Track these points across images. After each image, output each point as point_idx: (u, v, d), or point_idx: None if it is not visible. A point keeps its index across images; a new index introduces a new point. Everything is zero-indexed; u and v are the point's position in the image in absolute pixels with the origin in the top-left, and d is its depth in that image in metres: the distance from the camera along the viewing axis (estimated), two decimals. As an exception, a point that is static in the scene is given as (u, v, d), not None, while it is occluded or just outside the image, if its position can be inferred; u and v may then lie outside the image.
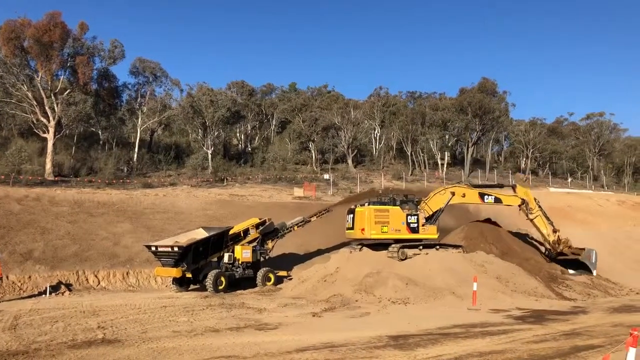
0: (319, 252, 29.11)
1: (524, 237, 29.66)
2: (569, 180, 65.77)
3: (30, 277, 21.95)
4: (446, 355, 11.22)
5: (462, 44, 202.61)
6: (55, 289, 21.46)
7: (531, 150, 69.27)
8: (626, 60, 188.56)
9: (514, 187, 29.26)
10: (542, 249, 28.84)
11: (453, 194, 26.18)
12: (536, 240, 29.53)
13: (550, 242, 27.88)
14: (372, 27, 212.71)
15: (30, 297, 20.52)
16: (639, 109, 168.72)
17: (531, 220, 28.09)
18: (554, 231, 27.91)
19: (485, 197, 27.38)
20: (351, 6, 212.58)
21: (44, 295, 20.64)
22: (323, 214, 28.13)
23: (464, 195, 26.76)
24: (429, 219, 24.87)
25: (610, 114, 76.91)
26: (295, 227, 27.00)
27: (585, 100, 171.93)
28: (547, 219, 28.16)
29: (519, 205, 28.14)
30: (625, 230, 37.60)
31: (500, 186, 30.13)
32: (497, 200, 27.73)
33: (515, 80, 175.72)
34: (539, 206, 28.19)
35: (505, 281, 22.13)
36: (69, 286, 22.18)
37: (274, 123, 72.71)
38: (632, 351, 8.46)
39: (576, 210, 45.14)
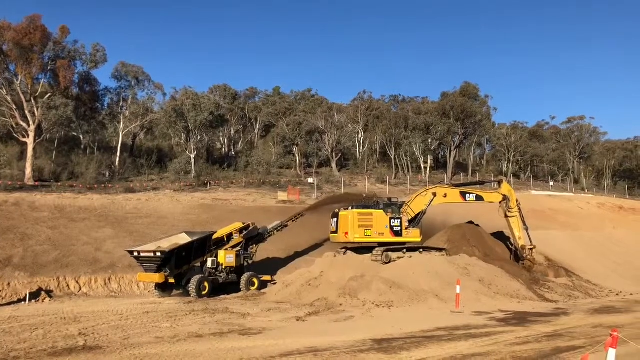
0: (303, 256, 29.08)
1: (505, 240, 29.89)
2: (551, 183, 66.52)
3: (9, 283, 21.57)
4: (430, 358, 11.26)
5: (445, 48, 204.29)
6: (35, 295, 21.11)
7: (513, 154, 70.03)
8: (606, 65, 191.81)
9: (499, 182, 29.47)
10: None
11: (435, 194, 26.26)
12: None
13: (519, 246, 27.96)
14: (355, 32, 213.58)
15: (9, 304, 20.15)
16: (618, 112, 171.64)
17: (507, 218, 28.17)
18: (530, 247, 27.84)
19: (467, 195, 27.51)
20: (334, 11, 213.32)
21: (23, 302, 20.29)
22: (298, 217, 28.30)
23: (445, 196, 26.84)
24: (412, 222, 24.97)
25: (591, 118, 78.56)
26: (275, 232, 27.01)
27: (565, 104, 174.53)
28: (524, 224, 28.20)
29: (500, 202, 28.28)
30: (606, 233, 38.16)
31: (482, 183, 30.26)
32: (479, 198, 27.87)
33: (497, 84, 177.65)
34: (519, 209, 28.33)
35: (488, 284, 22.29)
36: (49, 293, 21.84)
37: (257, 127, 72.63)
38: (611, 352, 8.59)
39: (557, 213, 45.70)
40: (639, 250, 34.67)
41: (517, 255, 28.01)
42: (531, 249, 27.67)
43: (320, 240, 30.16)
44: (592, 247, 33.48)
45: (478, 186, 30.18)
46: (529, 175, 71.88)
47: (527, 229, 28.13)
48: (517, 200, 28.52)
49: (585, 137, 76.10)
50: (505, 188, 28.71)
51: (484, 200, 28.10)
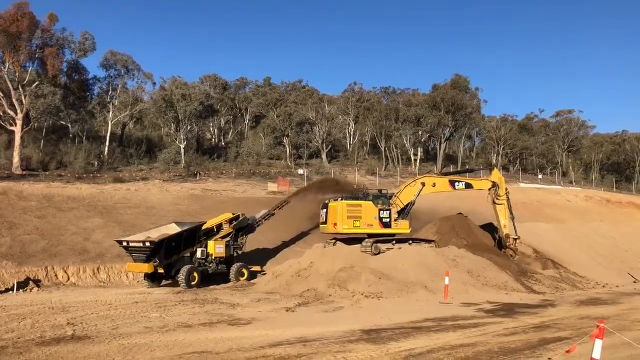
0: (293, 247, 29.11)
1: (494, 232, 30.05)
2: (539, 176, 66.94)
3: (-4, 273, 21.41)
4: (418, 348, 11.33)
5: (436, 41, 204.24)
6: (23, 285, 20.97)
7: (502, 146, 70.33)
8: (595, 59, 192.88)
9: (491, 169, 29.61)
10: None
11: (423, 184, 26.24)
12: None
13: (504, 234, 28.17)
14: (346, 22, 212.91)
15: (-4, 293, 20.03)
16: (606, 106, 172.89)
17: (494, 205, 28.33)
18: (515, 237, 28.03)
19: (456, 184, 27.60)
20: (325, 1, 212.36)
21: (11, 292, 20.13)
22: (284, 205, 28.38)
23: (434, 185, 26.84)
24: (402, 212, 24.99)
25: (579, 111, 78.88)
26: (263, 221, 27.00)
27: (555, 98, 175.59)
28: (511, 213, 28.39)
29: (489, 189, 28.43)
30: (593, 225, 38.45)
31: (471, 171, 30.33)
32: (468, 186, 28.01)
33: (486, 76, 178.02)
34: (507, 197, 28.49)
35: (477, 275, 22.43)
36: (37, 282, 21.71)
37: (248, 117, 72.32)
38: (598, 342, 8.69)
39: (545, 206, 46.15)
40: (625, 242, 35.01)
41: (500, 243, 28.27)
42: (515, 239, 27.91)
43: (308, 228, 30.22)
44: (579, 239, 33.73)
45: (467, 174, 30.33)
46: (517, 167, 72.26)
47: (513, 219, 28.35)
48: (506, 189, 28.65)
49: (573, 131, 76.57)
50: (496, 175, 28.89)
51: (473, 187, 28.28)
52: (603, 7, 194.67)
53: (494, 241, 28.84)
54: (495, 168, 30.04)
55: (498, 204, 28.24)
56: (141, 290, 21.28)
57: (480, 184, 28.65)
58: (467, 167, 63.98)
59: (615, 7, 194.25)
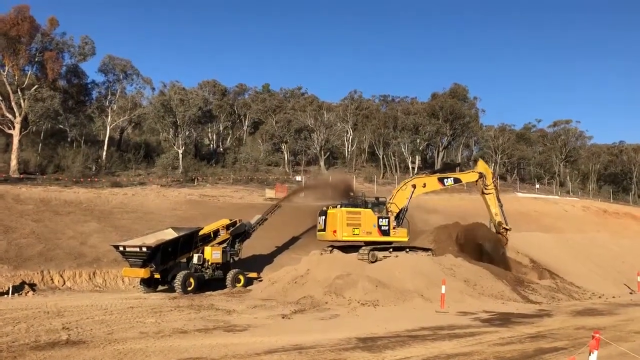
0: (290, 254, 29.07)
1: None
2: (537, 186, 67.01)
3: (-8, 276, 21.33)
4: (414, 357, 11.30)
5: (435, 50, 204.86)
6: (18, 289, 20.89)
7: (500, 156, 70.37)
8: (593, 70, 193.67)
9: (475, 160, 29.80)
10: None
11: (414, 186, 26.30)
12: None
13: (496, 222, 28.26)
14: (346, 30, 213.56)
15: (-9, 297, 19.95)
16: (604, 117, 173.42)
17: (484, 195, 28.44)
18: (506, 227, 28.18)
19: (445, 180, 27.70)
20: (326, 9, 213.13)
21: (6, 296, 20.08)
22: (275, 209, 28.40)
23: (424, 185, 26.92)
24: (397, 218, 25.01)
25: (577, 122, 78.57)
26: (257, 226, 27.00)
27: (552, 108, 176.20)
28: (499, 201, 28.50)
29: (476, 181, 28.58)
30: (589, 236, 38.50)
31: (458, 165, 30.45)
32: (457, 181, 28.24)
33: (485, 85, 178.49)
34: (495, 186, 28.65)
35: (473, 284, 22.41)
36: (32, 286, 21.64)
37: (246, 123, 72.38)
38: (594, 353, 8.68)
39: (542, 215, 46.18)
40: (622, 253, 35.06)
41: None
42: (506, 229, 28.05)
43: (300, 233, 30.25)
44: (576, 249, 33.76)
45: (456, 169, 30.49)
46: (515, 177, 72.34)
47: (501, 206, 28.50)
48: (493, 178, 28.81)
49: (571, 141, 76.57)
50: (482, 166, 29.04)
51: (461, 181, 28.54)
52: (601, 18, 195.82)
53: None
54: (480, 159, 30.25)
55: (487, 194, 28.43)
56: (137, 296, 21.24)
57: (467, 176, 28.80)
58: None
59: (613, 18, 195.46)
